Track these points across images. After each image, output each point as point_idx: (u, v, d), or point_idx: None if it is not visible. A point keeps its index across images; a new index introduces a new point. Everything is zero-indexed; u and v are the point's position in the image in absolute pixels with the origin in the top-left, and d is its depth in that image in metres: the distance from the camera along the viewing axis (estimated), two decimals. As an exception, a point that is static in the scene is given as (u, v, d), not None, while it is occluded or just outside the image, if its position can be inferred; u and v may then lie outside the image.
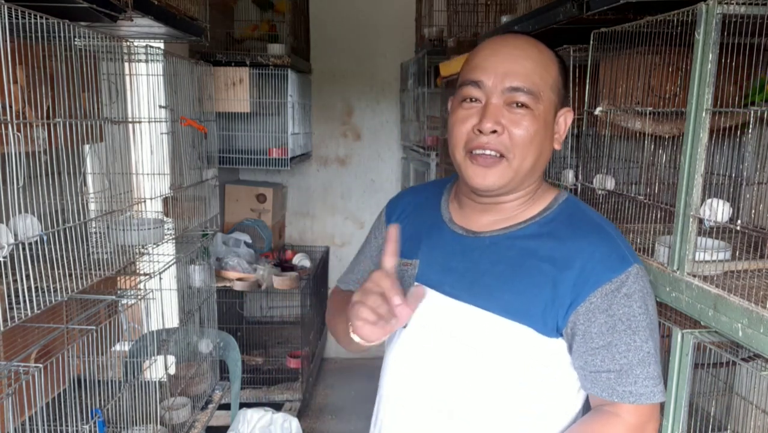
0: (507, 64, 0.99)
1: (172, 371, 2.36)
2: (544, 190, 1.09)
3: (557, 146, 1.06)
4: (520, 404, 1.02)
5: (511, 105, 0.99)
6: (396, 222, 1.16)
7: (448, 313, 1.04)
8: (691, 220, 1.24)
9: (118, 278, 1.87)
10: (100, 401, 1.71)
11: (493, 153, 0.99)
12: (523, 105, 0.98)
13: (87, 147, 1.75)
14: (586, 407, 1.09)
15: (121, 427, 1.81)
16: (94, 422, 1.59)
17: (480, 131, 0.98)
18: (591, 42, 1.63)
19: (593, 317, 0.97)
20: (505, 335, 1.00)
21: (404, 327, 1.09)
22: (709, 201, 1.24)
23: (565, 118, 1.07)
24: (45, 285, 1.32)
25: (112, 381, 1.76)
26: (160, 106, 2.04)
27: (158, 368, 2.08)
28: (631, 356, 0.96)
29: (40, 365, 1.29)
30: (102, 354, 1.61)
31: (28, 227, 1.26)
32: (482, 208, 1.08)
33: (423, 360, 1.07)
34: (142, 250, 1.89)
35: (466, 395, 1.03)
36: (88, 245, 1.57)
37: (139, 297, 1.75)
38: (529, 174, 1.02)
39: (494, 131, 0.97)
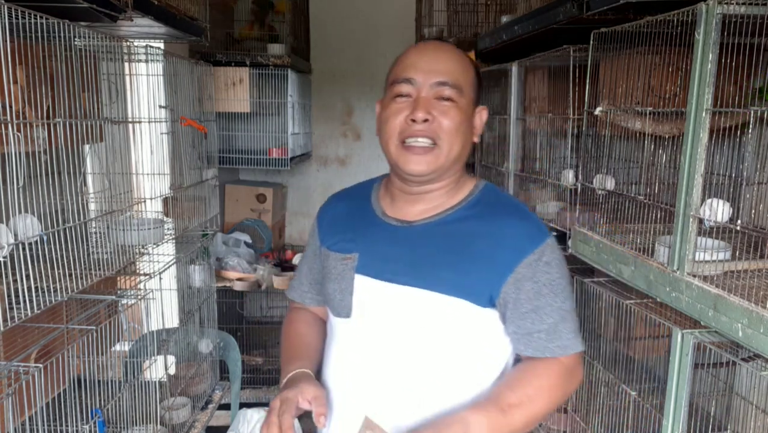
0: (434, 63, 1.12)
1: (172, 371, 2.36)
2: (465, 180, 1.21)
3: (476, 139, 1.20)
4: (462, 373, 1.13)
5: (438, 98, 1.10)
6: (328, 227, 1.28)
7: (392, 297, 1.13)
8: (691, 220, 1.24)
9: (118, 278, 1.87)
10: (100, 401, 1.71)
11: (425, 141, 1.10)
12: (449, 98, 1.10)
13: (87, 147, 1.75)
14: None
15: (121, 427, 1.81)
16: (94, 422, 1.59)
17: (413, 120, 1.09)
18: (591, 42, 1.63)
19: (521, 285, 1.09)
20: (446, 310, 1.10)
21: (347, 317, 1.18)
22: (709, 201, 1.25)
23: (481, 115, 1.19)
24: (45, 285, 1.32)
25: (112, 381, 1.76)
26: (160, 106, 2.04)
27: (158, 368, 2.07)
28: (555, 315, 1.10)
29: (40, 365, 1.29)
30: (102, 354, 1.61)
31: (28, 226, 1.26)
32: (413, 199, 1.18)
33: (370, 345, 1.16)
34: (142, 250, 1.89)
35: (413, 372, 1.12)
36: (88, 245, 1.57)
37: (139, 297, 1.75)
38: (455, 161, 1.14)
39: (426, 120, 1.09)
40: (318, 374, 1.26)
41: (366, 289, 1.16)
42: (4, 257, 1.18)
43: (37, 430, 1.38)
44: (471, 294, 1.09)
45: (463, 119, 1.12)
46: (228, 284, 3.16)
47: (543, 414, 1.10)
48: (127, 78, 1.93)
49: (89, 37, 1.47)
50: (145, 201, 1.97)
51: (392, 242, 1.16)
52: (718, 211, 1.23)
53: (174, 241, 2.22)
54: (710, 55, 1.16)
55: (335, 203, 1.32)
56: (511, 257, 1.09)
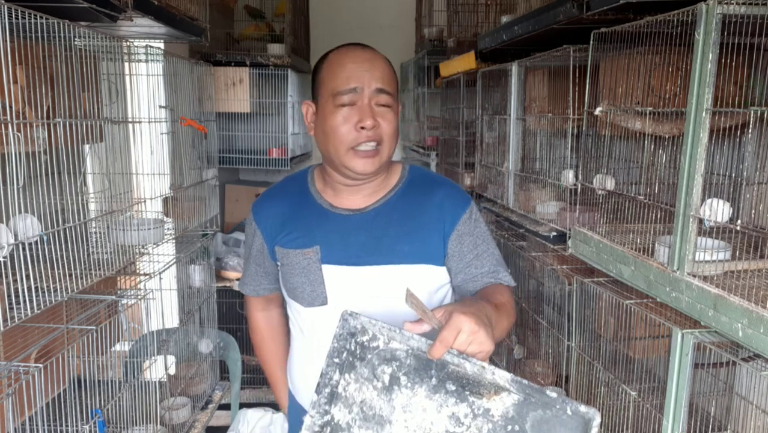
0: (372, 71, 1.24)
1: (172, 371, 2.36)
2: (392, 165, 1.38)
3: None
4: None
5: (377, 105, 1.24)
6: (273, 226, 1.36)
7: (363, 278, 1.27)
8: (691, 220, 1.24)
9: (118, 278, 1.87)
10: (100, 401, 1.71)
11: (372, 144, 1.24)
12: (385, 104, 1.25)
13: (87, 147, 1.75)
14: None
15: (121, 427, 1.80)
16: (94, 422, 1.59)
17: (363, 127, 1.22)
18: (591, 42, 1.63)
19: (462, 240, 1.30)
20: (413, 276, 1.27)
21: (323, 305, 1.29)
22: (709, 201, 1.25)
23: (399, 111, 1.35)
24: (45, 285, 1.32)
25: (112, 381, 1.76)
26: (160, 106, 2.04)
27: (158, 368, 2.07)
28: (492, 259, 1.33)
29: (40, 365, 1.29)
30: (102, 354, 1.61)
31: (28, 227, 1.26)
32: (355, 190, 1.32)
33: None
34: (142, 250, 1.89)
35: None
36: (88, 245, 1.57)
37: (139, 297, 1.75)
38: (391, 157, 1.31)
39: (373, 126, 1.23)
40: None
41: (336, 276, 1.29)
42: (4, 257, 1.18)
43: (37, 430, 1.38)
44: (429, 258, 1.28)
45: (397, 121, 1.29)
46: (228, 284, 3.15)
47: (510, 321, 1.27)
48: (127, 78, 1.93)
49: (89, 37, 1.46)
50: (145, 201, 1.97)
51: (349, 229, 1.30)
52: (718, 211, 1.23)
53: (174, 241, 2.22)
54: (710, 55, 1.16)
55: (270, 203, 1.40)
56: (451, 218, 1.30)
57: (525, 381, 0.97)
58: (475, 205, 1.35)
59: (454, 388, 1.00)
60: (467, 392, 1.00)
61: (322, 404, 1.05)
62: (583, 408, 0.93)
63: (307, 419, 1.04)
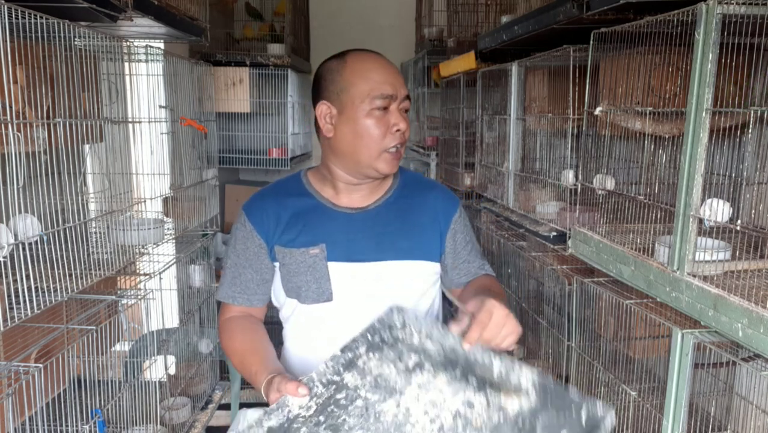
0: (399, 78, 1.31)
1: (172, 371, 2.36)
2: None
3: None
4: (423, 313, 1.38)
5: (401, 110, 1.30)
6: (273, 227, 1.34)
7: (366, 274, 1.31)
8: (691, 220, 1.24)
9: (118, 278, 1.87)
10: (100, 401, 1.71)
11: (398, 146, 1.30)
12: (406, 109, 1.32)
13: (87, 147, 1.75)
14: None
15: (121, 427, 1.80)
16: (94, 422, 1.59)
17: (398, 130, 1.28)
18: (591, 42, 1.63)
19: (455, 237, 1.40)
20: (413, 272, 1.34)
21: (328, 301, 1.31)
22: (709, 201, 1.25)
23: None
24: (45, 285, 1.32)
25: (112, 381, 1.76)
26: (160, 106, 2.04)
27: (158, 368, 2.07)
28: (478, 254, 1.45)
29: (40, 365, 1.29)
30: (102, 354, 1.61)
31: (28, 227, 1.26)
32: (355, 189, 1.36)
33: (357, 319, 1.25)
34: (142, 250, 1.89)
35: None
36: (88, 245, 1.57)
37: (139, 297, 1.75)
38: None
39: (405, 129, 1.30)
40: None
41: (341, 273, 1.31)
42: (4, 257, 1.18)
43: (37, 430, 1.38)
44: (427, 254, 1.35)
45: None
46: (228, 284, 3.15)
47: None
48: (127, 78, 1.93)
49: (89, 37, 1.46)
50: (145, 201, 1.97)
51: (352, 227, 1.34)
52: (718, 211, 1.23)
53: (174, 241, 2.22)
54: (710, 55, 1.16)
55: (265, 204, 1.37)
56: (445, 217, 1.39)
57: (550, 384, 1.01)
58: (462, 206, 1.46)
59: (476, 384, 1.03)
60: (488, 388, 1.03)
61: (339, 363, 1.08)
62: (600, 411, 0.95)
63: (321, 367, 1.07)
